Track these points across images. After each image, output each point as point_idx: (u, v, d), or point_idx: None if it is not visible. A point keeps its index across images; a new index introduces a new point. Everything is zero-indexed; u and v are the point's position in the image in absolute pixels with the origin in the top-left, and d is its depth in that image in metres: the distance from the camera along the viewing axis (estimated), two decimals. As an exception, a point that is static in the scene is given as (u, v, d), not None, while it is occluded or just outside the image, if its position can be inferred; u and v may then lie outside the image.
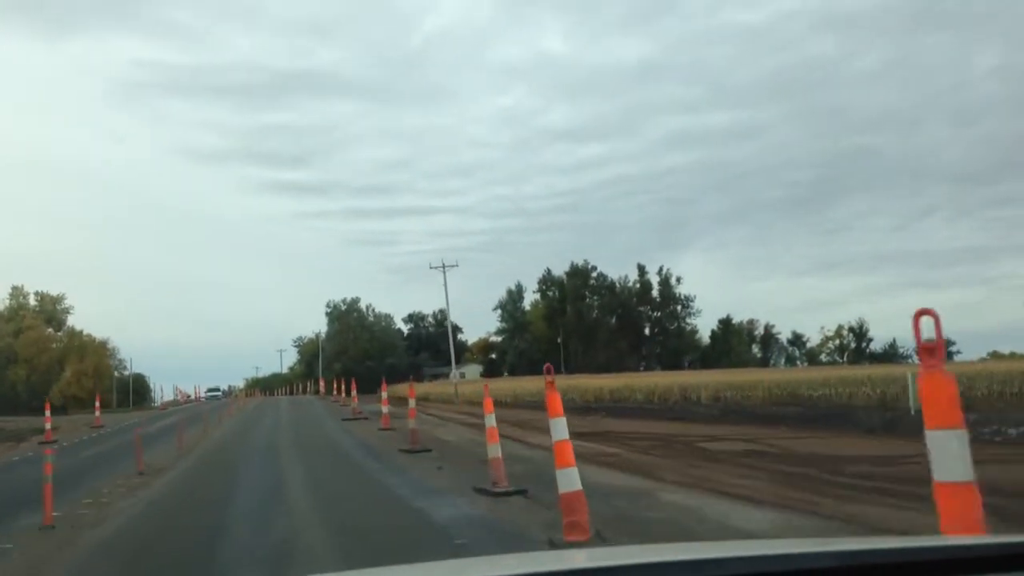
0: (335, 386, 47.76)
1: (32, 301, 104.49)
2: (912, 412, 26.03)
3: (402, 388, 74.85)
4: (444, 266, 68.81)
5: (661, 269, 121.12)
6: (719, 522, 8.65)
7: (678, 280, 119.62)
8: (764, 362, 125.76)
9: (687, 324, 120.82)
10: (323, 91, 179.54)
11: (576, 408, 41.47)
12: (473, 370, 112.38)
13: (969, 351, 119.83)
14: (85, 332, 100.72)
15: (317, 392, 67.31)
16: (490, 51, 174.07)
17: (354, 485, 12.59)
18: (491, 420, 11.24)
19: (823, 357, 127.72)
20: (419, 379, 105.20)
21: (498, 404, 47.95)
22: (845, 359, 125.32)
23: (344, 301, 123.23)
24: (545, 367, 8.46)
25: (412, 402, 17.95)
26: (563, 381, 62.80)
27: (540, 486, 10.74)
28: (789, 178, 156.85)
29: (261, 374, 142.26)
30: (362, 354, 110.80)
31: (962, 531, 3.57)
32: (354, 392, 32.38)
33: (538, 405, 46.59)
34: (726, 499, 10.37)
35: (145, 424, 34.72)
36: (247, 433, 25.47)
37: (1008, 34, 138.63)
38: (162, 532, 9.66)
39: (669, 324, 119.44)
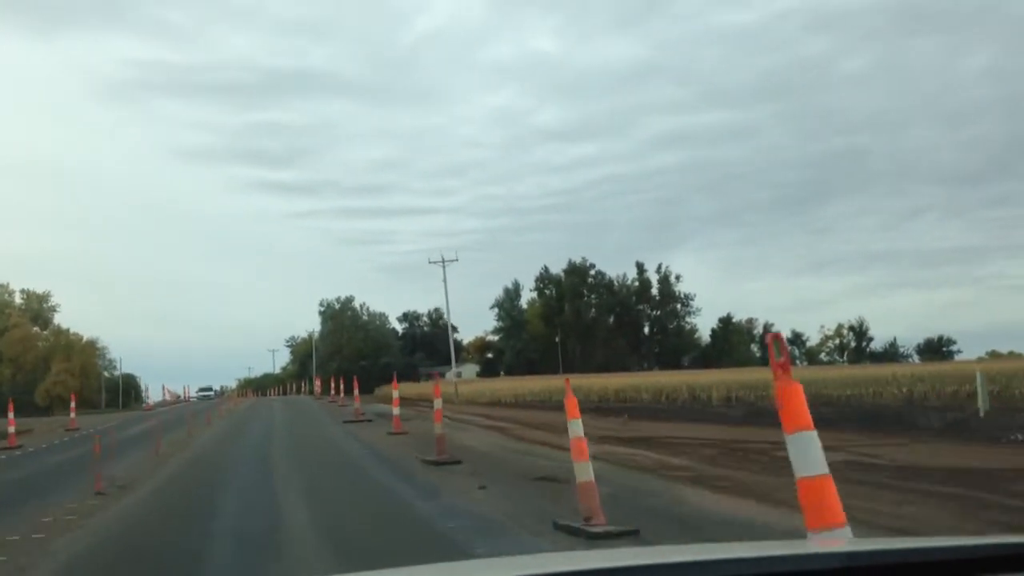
0: (332, 385, 44.25)
1: (18, 299, 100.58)
2: (981, 414, 23.03)
3: (401, 388, 71.89)
4: (444, 261, 65.43)
5: (660, 267, 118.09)
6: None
7: (677, 278, 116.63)
8: (764, 361, 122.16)
9: (687, 323, 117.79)
10: (315, 90, 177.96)
11: (590, 408, 38.38)
12: (470, 370, 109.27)
13: (966, 350, 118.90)
14: (72, 331, 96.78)
15: (312, 392, 63.79)
16: (482, 51, 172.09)
17: (379, 518, 9.07)
18: (577, 428, 7.94)
19: (823, 356, 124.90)
20: (415, 379, 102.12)
21: (500, 404, 44.62)
22: (845, 358, 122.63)
23: (338, 300, 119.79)
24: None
25: (438, 403, 14.47)
26: (563, 381, 59.98)
27: (652, 520, 7.46)
28: (779, 179, 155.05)
29: (253, 374, 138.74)
30: (356, 354, 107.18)
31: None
32: (356, 392, 28.98)
33: (541, 404, 44.37)
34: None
35: (125, 426, 31.28)
36: (236, 439, 22.05)
37: (997, 36, 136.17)
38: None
39: (669, 323, 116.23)
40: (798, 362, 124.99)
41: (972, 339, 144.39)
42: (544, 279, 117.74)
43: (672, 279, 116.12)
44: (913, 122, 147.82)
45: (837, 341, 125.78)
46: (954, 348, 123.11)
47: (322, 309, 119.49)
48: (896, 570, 1.76)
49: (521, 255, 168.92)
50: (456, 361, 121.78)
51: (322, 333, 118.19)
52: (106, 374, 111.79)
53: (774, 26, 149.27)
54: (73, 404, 35.04)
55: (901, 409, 27.83)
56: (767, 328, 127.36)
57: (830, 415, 27.72)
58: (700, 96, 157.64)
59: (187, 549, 7.76)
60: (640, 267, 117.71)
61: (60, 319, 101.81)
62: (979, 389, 24.41)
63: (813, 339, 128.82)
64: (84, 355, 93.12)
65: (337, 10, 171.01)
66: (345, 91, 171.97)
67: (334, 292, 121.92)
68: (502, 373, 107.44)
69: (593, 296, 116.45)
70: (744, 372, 62.60)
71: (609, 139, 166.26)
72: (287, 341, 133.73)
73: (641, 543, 6.95)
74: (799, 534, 7.88)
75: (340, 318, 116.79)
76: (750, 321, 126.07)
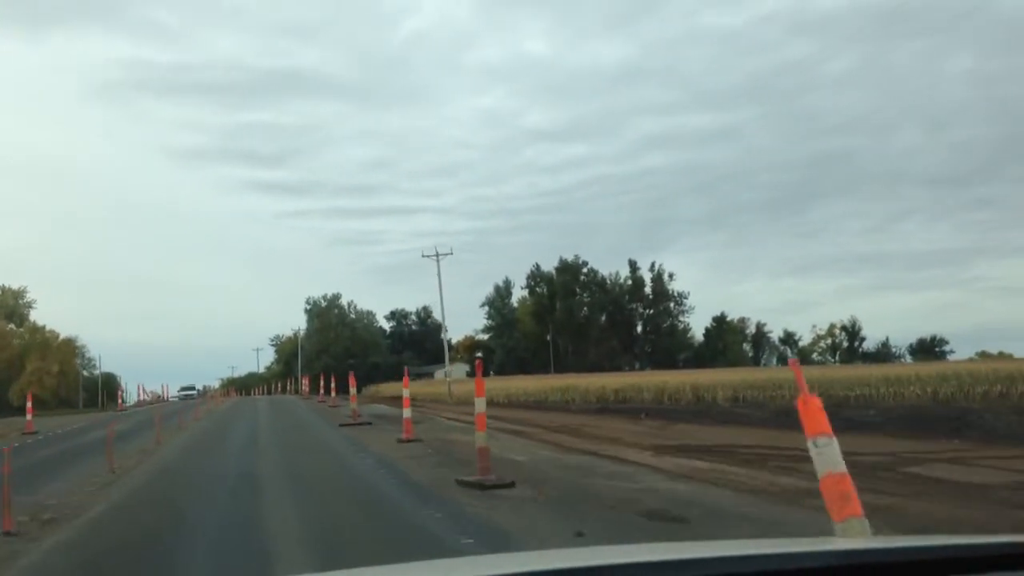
0: (321, 384, 40.26)
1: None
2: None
3: (389, 387, 68.03)
4: (438, 255, 61.62)
5: (653, 265, 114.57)
6: None
7: (671, 276, 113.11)
8: (756, 361, 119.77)
9: (680, 322, 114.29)
10: (304, 91, 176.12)
11: (594, 409, 35.15)
12: (459, 369, 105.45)
13: (956, 351, 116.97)
14: (48, 328, 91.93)
15: (299, 391, 59.63)
16: (471, 53, 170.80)
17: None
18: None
19: (815, 356, 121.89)
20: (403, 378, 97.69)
21: (493, 403, 41.72)
22: (837, 358, 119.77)
23: (324, 297, 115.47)
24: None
25: (480, 404, 10.41)
26: (559, 380, 57.14)
27: None
28: (766, 180, 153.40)
29: (237, 374, 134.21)
30: (344, 352, 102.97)
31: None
32: (352, 391, 25.12)
33: (536, 405, 40.16)
34: None
35: (89, 429, 27.37)
36: (213, 448, 18.10)
37: (980, 38, 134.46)
38: None
39: (662, 322, 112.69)
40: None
41: (958, 340, 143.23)
42: (536, 277, 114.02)
43: (665, 277, 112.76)
44: (899, 125, 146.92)
45: (829, 341, 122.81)
46: (947, 348, 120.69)
47: (308, 307, 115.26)
48: (892, 568, 1.73)
49: (510, 256, 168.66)
50: (442, 362, 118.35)
51: (308, 331, 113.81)
52: (85, 373, 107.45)
53: (760, 29, 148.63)
54: (30, 405, 30.94)
55: (946, 410, 25.08)
56: (760, 328, 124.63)
57: (876, 419, 24.46)
58: (688, 98, 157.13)
59: None
60: (633, 265, 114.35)
61: (39, 317, 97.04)
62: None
63: (805, 339, 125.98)
64: (61, 353, 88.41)
65: (326, 11, 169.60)
66: (335, 92, 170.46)
67: (322, 292, 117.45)
68: (491, 373, 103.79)
69: (585, 294, 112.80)
70: (747, 372, 60.22)
71: (598, 140, 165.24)
72: (272, 340, 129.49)
73: None
74: None
75: (327, 316, 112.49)
76: (742, 320, 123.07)
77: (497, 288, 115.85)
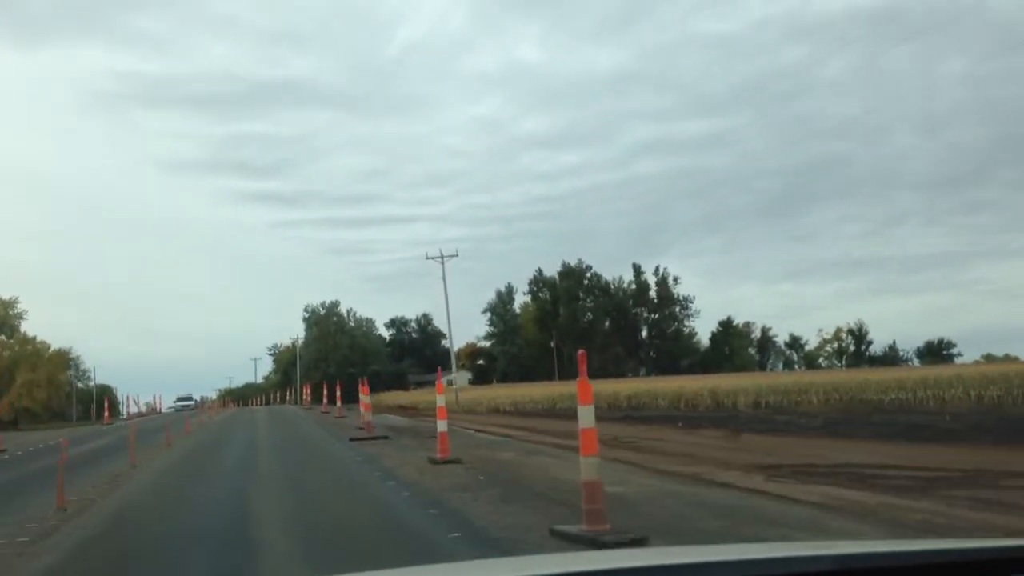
0: (324, 393, 36.52)
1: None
2: None
3: (392, 396, 64.49)
4: (443, 256, 57.99)
5: (657, 269, 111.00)
6: None
7: (675, 280, 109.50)
8: (762, 366, 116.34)
9: (686, 326, 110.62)
10: (298, 101, 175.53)
11: (608, 416, 31.94)
12: (462, 377, 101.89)
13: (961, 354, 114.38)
14: (39, 339, 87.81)
15: (300, 400, 55.79)
16: (465, 60, 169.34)
17: None
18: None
19: (822, 361, 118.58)
20: (404, 387, 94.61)
21: (500, 412, 39.13)
22: (844, 362, 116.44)
23: (323, 305, 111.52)
24: None
25: (588, 416, 6.79)
26: (568, 387, 54.07)
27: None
28: (761, 185, 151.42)
29: (235, 384, 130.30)
30: (343, 360, 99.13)
31: None
32: (364, 398, 21.42)
33: (546, 413, 36.57)
34: None
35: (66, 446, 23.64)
36: (200, 473, 14.35)
37: (974, 42, 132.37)
38: None
39: (667, 327, 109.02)
40: (796, 366, 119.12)
41: (959, 343, 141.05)
42: (538, 282, 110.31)
43: (670, 281, 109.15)
44: (893, 128, 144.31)
45: (835, 345, 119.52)
46: (954, 351, 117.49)
47: (306, 315, 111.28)
48: (888, 573, 1.72)
49: (507, 263, 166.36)
50: (446, 368, 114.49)
51: (306, 340, 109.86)
52: (80, 385, 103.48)
53: (753, 34, 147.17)
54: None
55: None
56: (765, 332, 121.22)
57: (958, 428, 21.05)
58: (682, 103, 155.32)
59: None
60: (637, 269, 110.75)
61: (33, 328, 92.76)
62: None
63: (811, 343, 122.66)
64: (51, 364, 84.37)
65: (319, 21, 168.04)
66: (328, 101, 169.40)
67: (318, 300, 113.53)
68: (494, 381, 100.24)
69: (589, 299, 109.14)
70: (765, 377, 57.42)
71: (593, 147, 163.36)
72: (269, 349, 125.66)
73: None
74: None
75: (325, 324, 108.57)
76: (747, 325, 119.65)
77: (499, 294, 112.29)
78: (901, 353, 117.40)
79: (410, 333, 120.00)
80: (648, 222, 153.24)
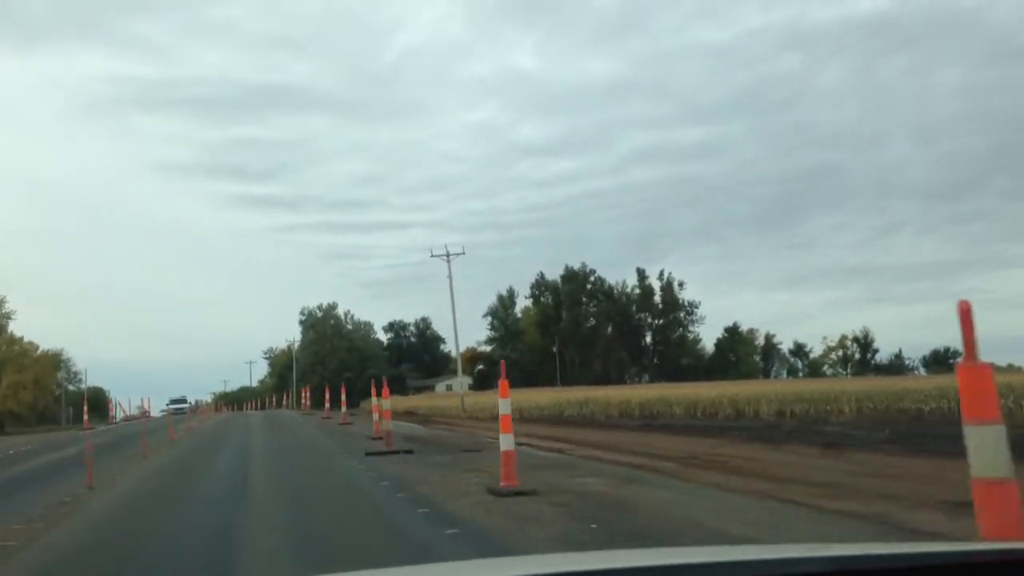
0: (327, 397, 32.76)
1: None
2: None
3: (392, 402, 60.93)
4: (448, 254, 54.33)
5: (662, 273, 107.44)
6: None
7: (680, 285, 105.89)
8: (766, 373, 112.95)
9: (690, 332, 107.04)
10: (295, 106, 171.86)
11: (640, 426, 28.70)
12: (463, 382, 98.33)
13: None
14: (27, 339, 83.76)
15: (298, 405, 51.91)
16: (462, 67, 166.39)
17: None
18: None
19: (827, 369, 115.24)
20: (403, 391, 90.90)
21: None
22: (849, 370, 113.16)
23: (320, 307, 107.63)
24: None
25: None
26: (577, 393, 51.15)
27: None
28: (756, 193, 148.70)
29: (230, 388, 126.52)
30: (340, 364, 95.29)
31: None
32: (384, 403, 17.65)
33: (550, 420, 35.62)
34: None
35: (39, 452, 20.19)
36: (175, 500, 10.66)
37: (969, 53, 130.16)
38: None
39: (671, 332, 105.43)
40: (800, 374, 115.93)
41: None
42: (540, 286, 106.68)
43: (675, 286, 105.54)
44: (889, 137, 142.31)
45: (840, 353, 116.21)
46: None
47: (303, 318, 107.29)
48: (885, 575, 1.73)
49: (503, 269, 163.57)
50: (444, 374, 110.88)
51: (303, 343, 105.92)
52: (72, 388, 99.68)
53: (749, 43, 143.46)
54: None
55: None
56: (769, 339, 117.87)
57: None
58: (678, 112, 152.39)
59: None
60: (641, 273, 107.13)
61: (24, 330, 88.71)
62: None
63: (816, 350, 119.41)
64: (39, 366, 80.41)
65: (317, 26, 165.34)
66: (325, 106, 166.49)
67: (315, 304, 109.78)
68: (495, 386, 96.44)
69: (592, 304, 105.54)
70: (783, 384, 54.66)
71: (589, 154, 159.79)
72: (265, 352, 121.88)
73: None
74: None
75: (322, 327, 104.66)
76: (750, 331, 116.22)
77: (500, 298, 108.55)
78: (907, 362, 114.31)
79: (408, 337, 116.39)
80: (644, 229, 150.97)
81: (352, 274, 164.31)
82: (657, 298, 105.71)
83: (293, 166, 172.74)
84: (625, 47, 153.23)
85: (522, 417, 41.48)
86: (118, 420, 62.10)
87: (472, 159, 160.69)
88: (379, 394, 22.91)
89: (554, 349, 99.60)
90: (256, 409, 68.71)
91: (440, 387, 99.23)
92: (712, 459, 13.76)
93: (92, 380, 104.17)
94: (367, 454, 14.94)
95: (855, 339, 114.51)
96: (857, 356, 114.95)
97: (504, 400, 9.59)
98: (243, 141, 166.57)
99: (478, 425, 33.83)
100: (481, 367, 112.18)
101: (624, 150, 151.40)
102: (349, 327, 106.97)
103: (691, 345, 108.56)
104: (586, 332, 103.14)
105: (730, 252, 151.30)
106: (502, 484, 9.08)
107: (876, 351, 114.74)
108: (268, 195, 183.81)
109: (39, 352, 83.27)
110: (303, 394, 50.75)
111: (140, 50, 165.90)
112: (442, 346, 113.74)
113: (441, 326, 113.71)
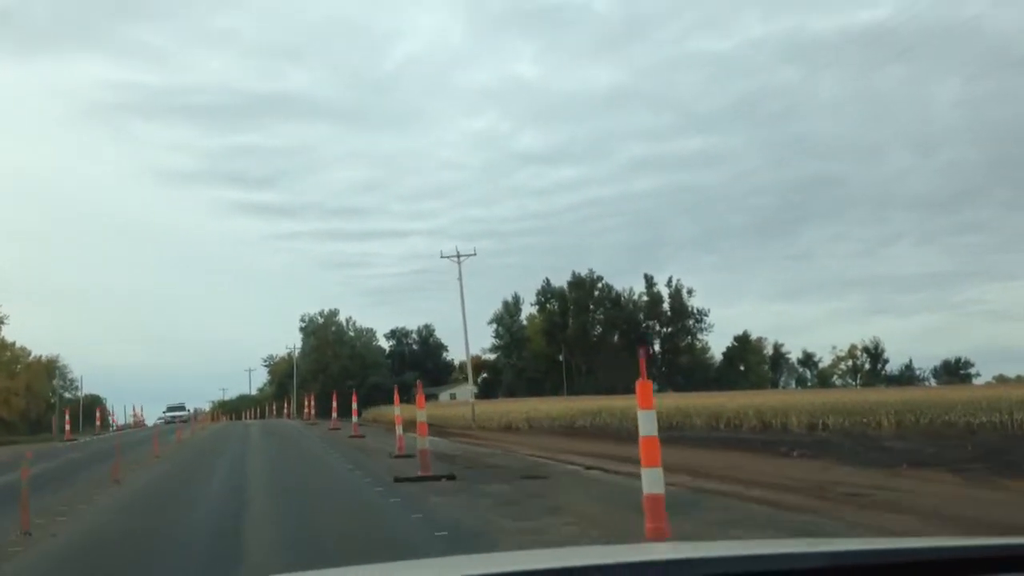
0: (334, 406, 29.53)
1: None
2: None
3: (394, 410, 58.15)
4: (459, 256, 51.22)
5: (670, 280, 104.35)
6: None
7: (690, 292, 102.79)
8: (774, 383, 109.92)
9: (699, 340, 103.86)
10: (296, 114, 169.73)
11: (663, 440, 25.75)
12: (466, 391, 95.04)
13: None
14: (19, 345, 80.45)
15: (301, 414, 48.60)
16: (462, 75, 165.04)
17: None
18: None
19: (836, 379, 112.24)
20: (409, 400, 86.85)
21: (513, 430, 32.14)
22: (859, 381, 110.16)
23: (321, 314, 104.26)
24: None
25: None
26: (589, 402, 48.40)
27: None
28: (756, 204, 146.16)
29: (228, 396, 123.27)
30: (342, 372, 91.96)
31: None
32: (420, 416, 14.10)
33: (560, 430, 34.63)
34: None
35: (8, 467, 16.80)
36: (126, 568, 7.41)
37: (968, 64, 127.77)
38: None
39: (680, 340, 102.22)
40: (810, 384, 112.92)
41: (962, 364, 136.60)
42: (546, 293, 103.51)
43: (684, 294, 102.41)
44: (888, 148, 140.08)
45: (850, 363, 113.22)
46: (972, 371, 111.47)
47: (303, 324, 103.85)
48: (883, 571, 1.69)
49: (502, 278, 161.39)
50: (447, 382, 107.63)
51: (303, 350, 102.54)
52: (67, 395, 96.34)
53: (749, 54, 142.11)
54: None
55: None
56: (777, 348, 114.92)
57: None
58: (678, 121, 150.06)
59: None
60: (649, 280, 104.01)
61: (19, 336, 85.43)
62: None
63: (825, 360, 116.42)
64: (31, 372, 77.14)
65: (317, 35, 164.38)
66: (325, 114, 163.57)
67: (315, 310, 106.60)
68: (500, 395, 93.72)
69: (599, 311, 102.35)
70: (812, 394, 52.05)
71: (590, 163, 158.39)
72: (265, 360, 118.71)
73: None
74: None
75: (323, 333, 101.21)
76: (759, 340, 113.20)
77: (506, 305, 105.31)
78: (918, 372, 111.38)
79: (410, 345, 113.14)
80: (644, 238, 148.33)
81: (352, 282, 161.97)
82: (666, 305, 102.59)
83: (293, 173, 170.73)
84: (626, 56, 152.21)
85: (532, 427, 38.95)
86: (112, 429, 58.84)
87: (472, 167, 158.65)
88: (403, 401, 19.77)
89: (560, 357, 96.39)
90: (255, 418, 65.29)
91: (443, 396, 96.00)
92: (848, 492, 10.55)
93: (89, 388, 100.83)
94: (396, 480, 11.69)
95: (865, 349, 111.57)
96: (867, 366, 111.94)
97: (647, 414, 6.44)
98: (243, 148, 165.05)
99: (500, 438, 31.55)
100: (486, 375, 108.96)
101: (624, 159, 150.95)
102: (351, 334, 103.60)
103: (699, 354, 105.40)
104: (593, 341, 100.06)
105: (729, 262, 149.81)
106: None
107: (886, 361, 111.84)
108: (268, 202, 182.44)
109: (31, 358, 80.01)
110: (305, 402, 47.41)
111: (141, 57, 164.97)
112: (445, 354, 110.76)
113: (444, 333, 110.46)
